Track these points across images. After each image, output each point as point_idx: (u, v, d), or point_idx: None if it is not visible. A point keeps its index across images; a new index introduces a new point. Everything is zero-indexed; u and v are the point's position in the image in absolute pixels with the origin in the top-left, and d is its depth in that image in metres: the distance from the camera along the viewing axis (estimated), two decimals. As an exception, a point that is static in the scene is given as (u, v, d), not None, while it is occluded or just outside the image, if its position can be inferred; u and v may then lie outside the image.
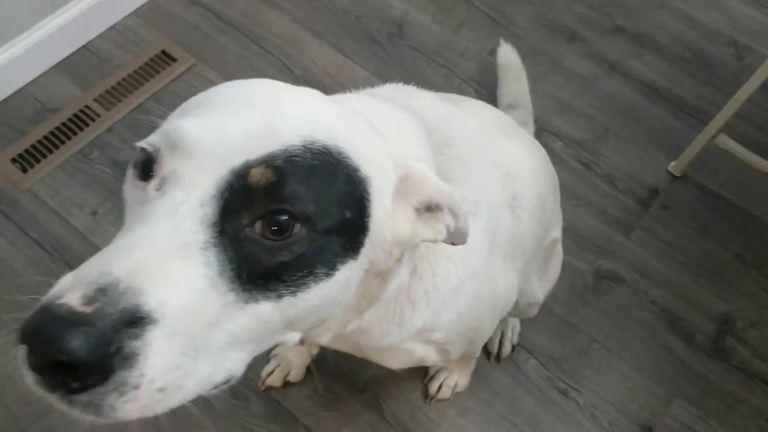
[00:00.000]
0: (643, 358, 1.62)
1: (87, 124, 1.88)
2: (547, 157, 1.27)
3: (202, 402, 1.53)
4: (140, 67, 1.99)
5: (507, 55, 1.85)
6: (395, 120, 0.81)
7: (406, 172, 0.68)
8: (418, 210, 0.70)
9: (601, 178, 1.89)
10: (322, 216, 0.60)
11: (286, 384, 1.53)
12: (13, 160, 1.81)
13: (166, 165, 0.60)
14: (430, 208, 0.70)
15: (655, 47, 2.16)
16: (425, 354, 0.99)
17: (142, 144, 0.62)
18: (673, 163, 1.90)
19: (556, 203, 1.32)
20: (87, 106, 1.91)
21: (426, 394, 1.54)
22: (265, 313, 0.60)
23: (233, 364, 0.62)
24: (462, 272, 0.88)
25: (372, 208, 0.65)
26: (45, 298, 0.52)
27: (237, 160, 0.58)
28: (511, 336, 1.59)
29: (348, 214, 0.62)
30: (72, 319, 0.49)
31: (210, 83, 1.95)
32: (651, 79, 2.08)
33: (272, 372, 1.52)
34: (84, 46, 2.02)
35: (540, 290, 1.37)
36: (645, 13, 2.23)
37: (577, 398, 1.56)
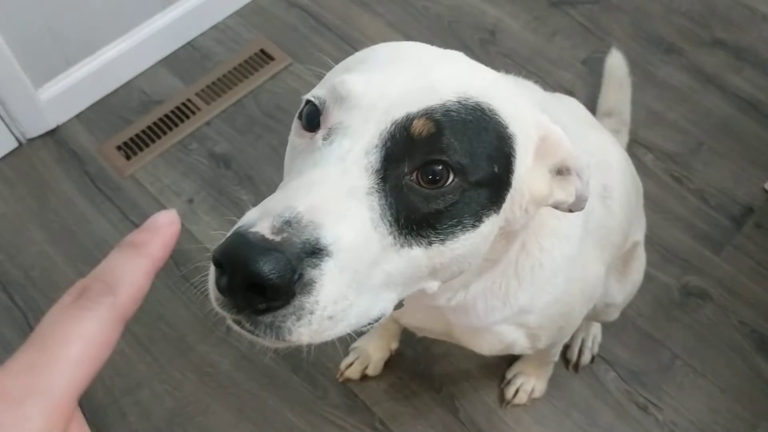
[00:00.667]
0: (729, 379, 1.57)
1: (188, 117, 1.98)
2: (627, 156, 1.26)
3: (282, 389, 1.58)
4: (240, 65, 2.08)
5: (616, 62, 1.83)
6: (523, 91, 0.83)
7: (546, 134, 0.71)
8: (551, 172, 0.72)
9: (692, 192, 1.85)
10: (474, 168, 0.63)
11: (364, 377, 1.57)
12: (119, 148, 1.92)
13: (333, 116, 0.64)
14: (560, 171, 0.72)
15: (755, 61, 2.09)
16: (515, 338, 1.00)
17: (308, 96, 0.67)
18: (770, 181, 1.84)
19: (639, 205, 1.31)
20: (189, 100, 2.00)
21: (502, 398, 1.55)
22: (416, 258, 0.64)
23: (385, 303, 0.65)
24: (565, 249, 0.89)
25: (516, 164, 0.68)
26: (236, 227, 0.56)
27: (399, 113, 0.62)
28: (591, 345, 1.58)
29: (496, 169, 0.66)
30: (265, 245, 0.53)
31: (305, 83, 2.02)
32: (750, 93, 2.02)
33: (351, 364, 1.56)
34: (189, 43, 2.12)
35: (618, 292, 1.35)
36: (747, 26, 2.16)
37: (656, 414, 1.53)
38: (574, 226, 0.90)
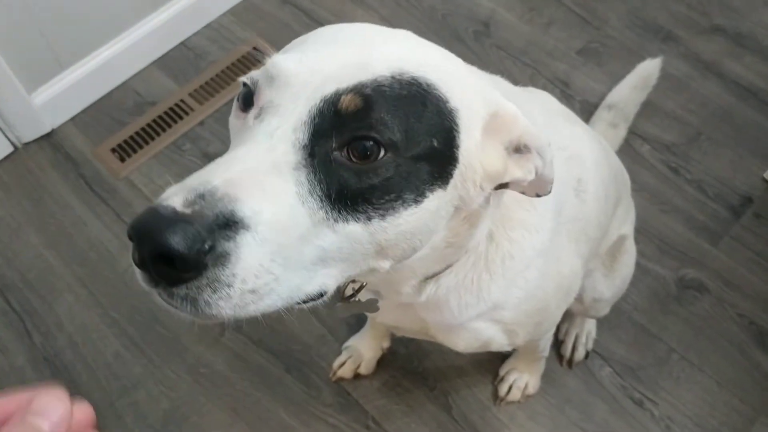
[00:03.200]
0: (726, 372, 1.55)
1: (181, 117, 1.98)
2: (607, 148, 1.25)
3: (276, 388, 1.59)
4: (233, 64, 2.07)
5: (650, 70, 1.82)
6: (482, 78, 0.82)
7: (497, 110, 0.70)
8: (507, 149, 0.71)
9: (690, 183, 1.82)
10: (408, 142, 0.63)
11: (357, 376, 1.56)
12: (113, 150, 1.93)
13: (264, 96, 0.65)
14: (518, 149, 0.71)
15: (756, 48, 2.05)
16: (492, 335, 0.99)
17: (243, 79, 0.68)
18: (769, 170, 1.81)
19: (624, 197, 1.29)
20: (182, 100, 2.01)
21: (495, 395, 1.54)
22: (355, 233, 0.63)
23: (325, 279, 0.65)
24: (536, 241, 0.89)
25: (461, 139, 0.67)
26: (155, 201, 0.57)
27: (328, 89, 0.62)
28: (585, 341, 1.56)
29: (436, 143, 0.65)
30: (173, 217, 0.54)
31: (297, 80, 2.01)
32: (749, 81, 1.99)
33: (344, 363, 1.56)
34: (182, 43, 2.12)
35: (606, 288, 1.34)
36: (747, 11, 2.12)
37: (652, 409, 1.52)
38: (544, 218, 0.89)
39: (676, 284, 1.67)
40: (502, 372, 1.54)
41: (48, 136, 1.96)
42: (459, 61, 0.74)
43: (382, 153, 0.62)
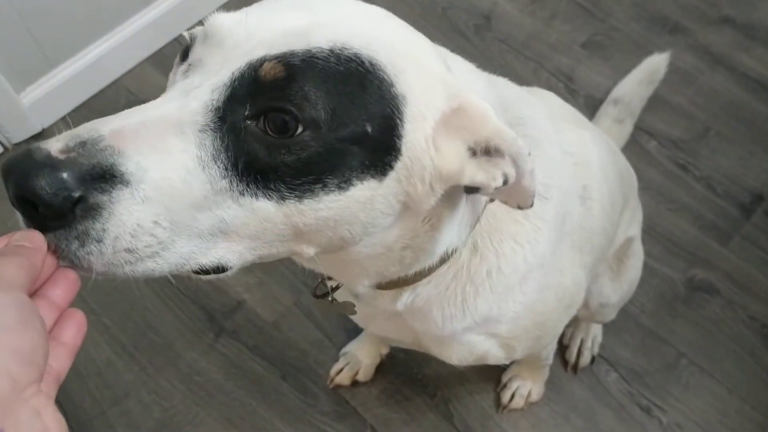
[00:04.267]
0: (737, 377, 1.50)
1: (174, 116, 1.93)
2: (615, 149, 1.19)
3: (271, 397, 1.54)
4: (227, 60, 2.02)
5: (657, 64, 1.76)
6: (471, 76, 0.76)
7: (461, 104, 0.63)
8: (473, 150, 0.64)
9: (698, 180, 1.76)
10: (334, 122, 0.57)
11: (355, 383, 1.52)
12: (105, 150, 1.88)
13: (196, 53, 0.62)
14: (488, 152, 0.64)
15: (766, 39, 1.99)
16: (487, 349, 0.95)
17: (184, 33, 0.65)
18: (781, 167, 1.75)
19: (631, 199, 1.24)
20: (175, 98, 1.95)
21: (498, 403, 1.49)
22: (265, 211, 0.59)
23: (225, 252, 0.61)
24: (528, 255, 0.83)
25: (405, 129, 0.61)
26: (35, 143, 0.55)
27: (256, 54, 0.58)
28: (591, 346, 1.51)
29: (369, 128, 0.59)
30: (42, 162, 0.51)
31: (294, 76, 1.96)
32: (760, 73, 1.92)
33: (341, 370, 1.51)
34: (175, 39, 2.07)
35: (613, 292, 1.29)
36: (757, 1, 2.06)
37: (660, 416, 1.47)
38: (539, 230, 0.83)
39: (684, 286, 1.62)
40: (504, 379, 1.49)
41: (38, 137, 1.91)
42: (430, 50, 0.66)
43: (300, 129, 0.56)
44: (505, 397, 1.47)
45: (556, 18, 2.06)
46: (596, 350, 1.52)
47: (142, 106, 0.58)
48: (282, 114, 0.56)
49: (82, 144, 0.53)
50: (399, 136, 0.61)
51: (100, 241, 0.53)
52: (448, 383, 1.52)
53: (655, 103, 1.86)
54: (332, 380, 1.52)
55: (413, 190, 0.63)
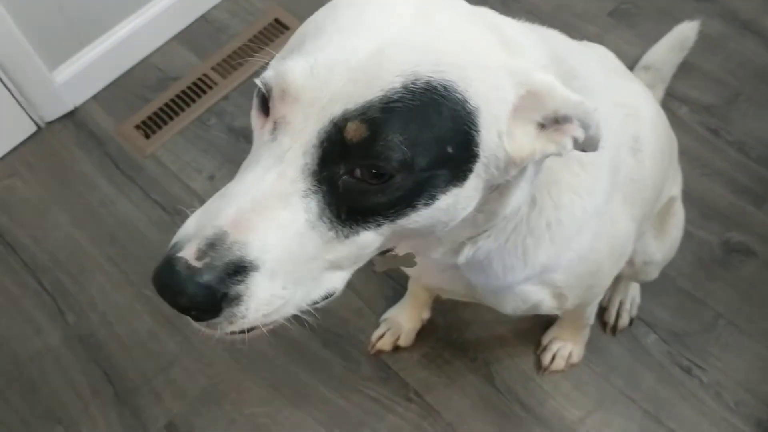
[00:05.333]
0: (776, 337, 1.51)
1: (205, 92, 1.94)
2: (660, 109, 1.20)
3: (314, 363, 1.56)
4: (255, 36, 2.03)
5: (687, 33, 1.74)
6: (525, 38, 0.75)
7: (529, 89, 0.64)
8: (542, 125, 0.66)
9: (731, 145, 1.77)
10: (419, 158, 0.60)
11: (396, 348, 1.53)
12: (137, 127, 1.89)
13: (277, 110, 0.63)
14: (557, 120, 0.66)
15: (794, 4, 1.98)
16: (541, 299, 0.97)
17: (257, 81, 0.66)
18: (814, 129, 1.75)
19: (674, 158, 1.25)
20: (205, 75, 1.96)
21: (539, 365, 1.50)
22: (366, 240, 0.65)
23: (333, 282, 0.68)
24: (588, 205, 0.85)
25: (480, 137, 0.63)
26: (169, 248, 0.62)
27: (337, 109, 0.60)
28: (630, 308, 1.53)
29: (450, 150, 0.62)
30: (186, 275, 0.59)
31: (322, 51, 1.96)
32: (790, 38, 1.92)
33: (382, 336, 1.53)
34: (202, 17, 2.08)
35: (657, 249, 1.30)
36: (784, -34, 2.05)
37: (701, 376, 1.48)
38: (597, 180, 0.84)
39: (721, 248, 1.62)
40: (545, 341, 1.51)
41: (71, 115, 1.93)
42: (489, 40, 0.65)
43: (392, 174, 0.60)
44: (546, 358, 1.49)
45: (583, -13, 2.06)
46: (635, 312, 1.53)
47: (245, 179, 0.63)
48: (375, 167, 0.60)
49: (211, 246, 0.60)
50: (476, 144, 0.64)
51: (245, 317, 0.62)
52: (488, 347, 1.54)
53: (684, 69, 1.86)
54: (374, 346, 1.53)
55: (490, 177, 0.67)
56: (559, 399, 1.48)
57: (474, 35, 0.65)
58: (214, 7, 2.09)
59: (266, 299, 0.62)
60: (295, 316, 0.67)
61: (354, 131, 0.59)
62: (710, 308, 1.55)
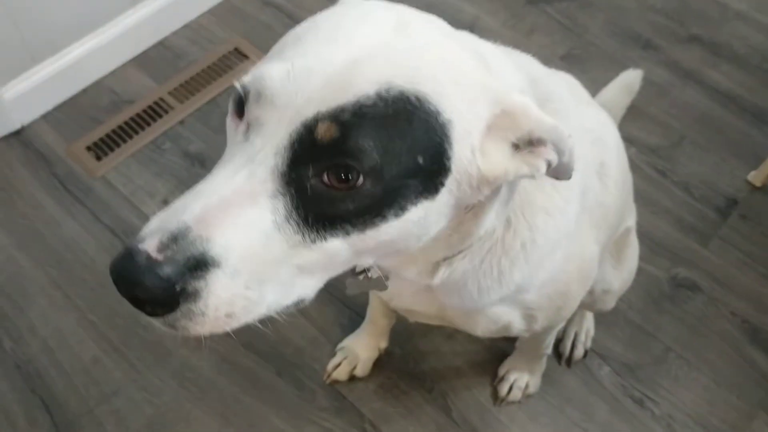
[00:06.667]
0: (723, 370, 1.55)
1: (160, 116, 1.91)
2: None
3: (267, 393, 1.52)
4: (213, 63, 2.02)
5: (633, 79, 1.80)
6: (503, 63, 0.76)
7: (504, 108, 0.65)
8: (516, 145, 0.67)
9: (676, 185, 1.84)
10: (390, 165, 0.61)
11: (352, 378, 1.50)
12: (88, 148, 1.84)
13: (252, 112, 0.63)
14: (531, 143, 0.67)
15: (731, 56, 2.10)
16: (512, 320, 0.98)
17: (236, 84, 0.66)
18: (753, 173, 1.84)
19: (630, 189, 1.29)
20: (161, 99, 1.94)
21: (495, 396, 1.50)
22: (334, 248, 0.64)
23: (303, 289, 0.67)
24: (561, 225, 0.86)
25: (453, 150, 0.64)
26: (132, 241, 0.61)
27: (309, 112, 0.60)
28: (584, 339, 1.54)
29: (421, 160, 0.62)
30: (145, 265, 0.58)
31: (281, 80, 1.96)
32: (728, 88, 2.03)
33: (339, 365, 1.50)
34: (160, 42, 2.06)
35: (615, 279, 1.33)
36: (721, 22, 2.18)
37: (653, 408, 1.50)
38: (568, 201, 0.86)
39: (668, 283, 1.67)
40: (501, 371, 1.50)
41: (17, 134, 1.87)
42: (468, 56, 0.67)
43: (361, 179, 0.60)
44: (503, 389, 1.48)
45: (536, 32, 2.14)
46: (589, 344, 1.55)
47: (215, 177, 0.63)
48: (343, 169, 0.60)
49: (174, 239, 0.59)
50: (448, 158, 0.64)
51: (204, 314, 0.60)
52: (445, 377, 1.53)
53: (633, 112, 1.93)
54: (329, 375, 1.50)
55: (462, 194, 0.67)
56: (516, 430, 1.47)
57: (452, 52, 0.67)
58: (173, 34, 2.08)
59: (227, 298, 0.60)
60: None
61: (324, 131, 0.59)
62: (660, 341, 1.59)
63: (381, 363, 1.53)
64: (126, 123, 1.89)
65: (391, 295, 1.05)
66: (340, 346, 1.52)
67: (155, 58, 2.03)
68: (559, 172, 0.70)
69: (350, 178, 0.60)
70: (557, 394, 1.52)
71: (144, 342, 1.55)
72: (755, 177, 1.83)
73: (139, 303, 0.60)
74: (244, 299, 0.62)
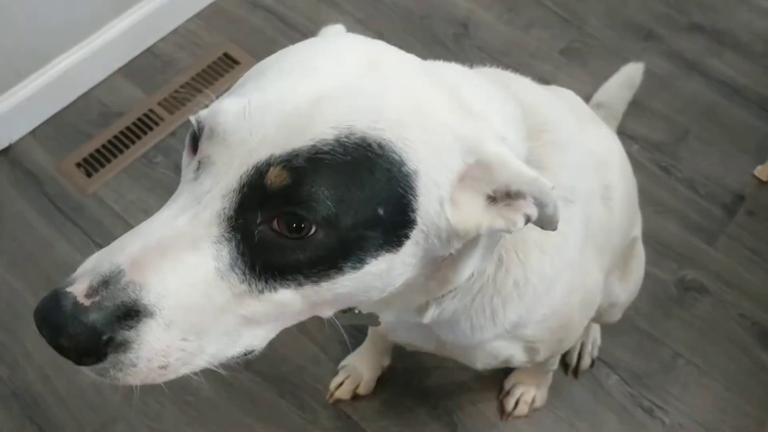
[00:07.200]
0: (733, 375, 1.52)
1: (151, 128, 1.86)
2: (624, 151, 1.20)
3: (268, 414, 1.49)
4: (203, 70, 1.97)
5: (634, 72, 1.73)
6: (493, 96, 0.73)
7: (478, 159, 0.61)
8: (492, 198, 0.63)
9: (681, 182, 1.79)
10: (345, 216, 0.56)
11: (356, 397, 1.48)
12: (78, 165, 1.80)
13: (204, 149, 0.60)
14: (509, 195, 0.62)
15: (735, 45, 2.05)
16: (512, 354, 0.95)
17: (191, 118, 0.63)
18: (759, 167, 1.79)
19: (636, 200, 1.25)
20: (151, 110, 1.89)
21: (502, 410, 1.47)
22: (284, 299, 0.60)
23: (251, 340, 0.63)
24: (557, 262, 0.82)
25: (418, 202, 0.59)
26: (63, 281, 0.57)
27: (262, 154, 0.56)
28: (591, 349, 1.51)
29: (381, 212, 0.58)
30: (71, 312, 0.54)
31: (273, 86, 1.91)
32: (732, 77, 1.97)
33: (341, 384, 1.47)
34: (148, 50, 2.01)
35: (621, 291, 1.29)
36: (724, 9, 2.12)
37: (663, 417, 1.47)
38: (566, 236, 0.81)
39: (676, 286, 1.63)
40: (507, 386, 1.48)
41: (5, 152, 1.82)
42: (439, 99, 0.62)
43: (313, 229, 0.56)
44: (509, 404, 1.45)
45: (534, 26, 2.08)
46: (596, 353, 1.52)
47: (159, 217, 0.59)
48: (293, 217, 0.56)
49: (105, 284, 0.55)
50: (413, 210, 0.60)
51: (135, 365, 0.56)
52: (450, 393, 1.50)
53: (634, 108, 1.88)
54: (332, 395, 1.47)
55: (431, 247, 0.63)
56: (523, 445, 1.45)
57: (424, 95, 0.62)
58: (162, 40, 2.03)
59: (160, 350, 0.57)
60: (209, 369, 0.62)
61: (275, 177, 0.56)
62: (669, 347, 1.55)
63: (384, 380, 1.50)
64: (116, 137, 1.84)
65: (386, 330, 1.01)
66: (342, 364, 1.49)
67: (144, 67, 1.98)
68: (544, 223, 0.66)
69: (302, 227, 0.56)
70: (565, 406, 1.49)
71: (142, 366, 1.52)
72: (762, 171, 1.79)
73: (63, 351, 0.56)
74: (180, 351, 0.58)
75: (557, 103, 0.92)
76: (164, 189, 1.77)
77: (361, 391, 1.47)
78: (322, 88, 0.58)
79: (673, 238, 1.70)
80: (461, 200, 0.62)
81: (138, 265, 0.56)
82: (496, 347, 0.92)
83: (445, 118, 0.61)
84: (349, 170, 0.56)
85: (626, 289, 1.30)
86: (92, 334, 0.54)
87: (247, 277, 0.58)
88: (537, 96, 0.87)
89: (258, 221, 0.57)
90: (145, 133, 1.85)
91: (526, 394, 1.44)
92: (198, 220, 0.57)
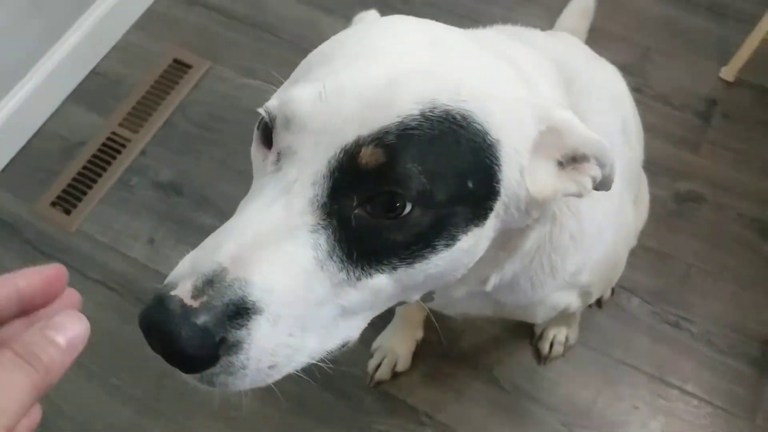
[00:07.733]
0: (746, 273, 1.58)
1: (119, 152, 1.79)
2: None
3: (315, 410, 1.47)
4: (156, 81, 1.89)
5: (586, 1, 1.72)
6: (537, 63, 0.73)
7: (549, 125, 0.62)
8: (561, 163, 0.64)
9: (654, 99, 1.82)
10: (438, 191, 0.56)
11: (396, 375, 1.48)
12: (53, 204, 1.73)
13: (282, 139, 0.58)
14: (575, 159, 0.64)
15: (674, -46, 2.07)
16: (569, 302, 0.96)
17: (261, 110, 0.61)
18: (724, 69, 1.84)
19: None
20: (114, 133, 1.82)
21: (539, 356, 1.50)
22: (379, 285, 0.59)
23: (348, 331, 0.62)
24: (607, 207, 0.84)
25: (502, 172, 0.60)
26: (162, 286, 0.54)
27: (349, 136, 0.55)
28: (610, 277, 1.55)
29: (471, 184, 0.58)
30: (180, 315, 0.51)
31: (232, 83, 1.86)
32: (679, -13, 2.01)
33: (379, 365, 1.47)
34: (92, 71, 1.92)
35: (635, 217, 1.32)
36: None
37: (690, 328, 1.52)
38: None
39: (673, 201, 1.68)
40: (538, 330, 1.50)
41: (-29, 207, 1.73)
42: (509, 71, 0.63)
43: (409, 207, 0.55)
44: (545, 347, 1.48)
45: (477, -30, 2.06)
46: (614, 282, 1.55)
47: (248, 211, 0.57)
48: (389, 197, 0.55)
49: (209, 283, 0.53)
50: (498, 181, 0.60)
51: (245, 367, 0.54)
52: (485, 351, 1.52)
53: (594, 34, 1.89)
54: (372, 378, 1.47)
55: (510, 218, 0.63)
56: (567, 385, 1.48)
57: (493, 66, 0.63)
58: (104, 58, 1.94)
59: (270, 348, 0.54)
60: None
61: (369, 156, 0.54)
62: (680, 260, 1.60)
63: (420, 352, 1.50)
64: (85, 167, 1.77)
65: (442, 305, 1.01)
66: (375, 345, 1.49)
67: (93, 90, 1.90)
68: (602, 184, 0.67)
69: (397, 205, 0.55)
70: (596, 338, 1.52)
71: (176, 391, 1.49)
72: (727, 72, 1.83)
73: (174, 358, 0.53)
74: (287, 347, 0.56)
75: (567, 49, 0.93)
76: (149, 210, 1.71)
77: (400, 368, 1.47)
78: (395, 67, 0.57)
79: (660, 154, 1.73)
80: (536, 168, 0.62)
81: (239, 261, 0.54)
82: (555, 299, 0.93)
83: (515, 87, 0.62)
84: (437, 144, 0.56)
85: (640, 215, 1.33)
86: (206, 336, 0.51)
87: (345, 264, 0.57)
88: (555, 48, 0.88)
89: (354, 205, 0.56)
90: (114, 158, 1.78)
91: (559, 335, 1.47)
92: (292, 210, 0.56)
